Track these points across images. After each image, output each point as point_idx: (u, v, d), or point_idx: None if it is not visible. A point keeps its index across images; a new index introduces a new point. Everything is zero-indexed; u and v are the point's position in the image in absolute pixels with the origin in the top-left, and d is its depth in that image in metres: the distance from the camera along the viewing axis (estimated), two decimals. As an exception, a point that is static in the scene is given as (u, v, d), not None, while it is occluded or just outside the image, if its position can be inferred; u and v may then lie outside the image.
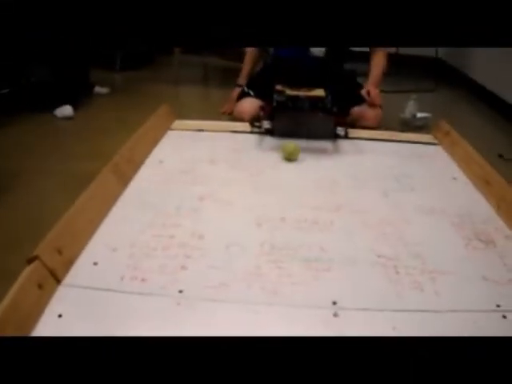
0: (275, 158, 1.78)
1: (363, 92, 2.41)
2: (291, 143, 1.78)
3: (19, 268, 1.03)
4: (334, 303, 1.08)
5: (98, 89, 3.24)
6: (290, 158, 1.76)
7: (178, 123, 2.05)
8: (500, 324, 1.06)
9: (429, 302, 1.11)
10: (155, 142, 1.85)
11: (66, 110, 2.76)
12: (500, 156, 2.36)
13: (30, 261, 1.05)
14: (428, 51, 4.02)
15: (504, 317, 1.08)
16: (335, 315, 1.05)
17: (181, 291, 1.09)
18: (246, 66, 2.76)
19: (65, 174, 2.00)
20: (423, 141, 2.04)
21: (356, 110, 2.36)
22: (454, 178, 1.72)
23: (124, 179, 1.53)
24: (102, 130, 2.54)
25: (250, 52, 2.73)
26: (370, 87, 2.42)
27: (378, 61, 2.47)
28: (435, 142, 2.03)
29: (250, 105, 2.31)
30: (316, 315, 1.05)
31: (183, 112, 2.21)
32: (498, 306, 1.11)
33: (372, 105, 2.36)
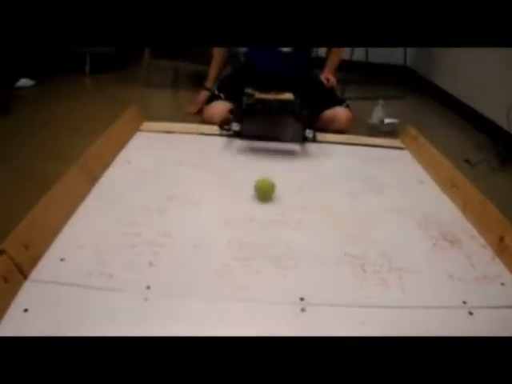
0: (243, 160, 1.78)
1: (322, 78, 2.66)
2: (265, 181, 1.51)
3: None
4: (302, 299, 1.08)
5: (23, 81, 3.22)
6: (264, 196, 1.50)
7: (146, 124, 2.04)
8: (466, 320, 1.08)
9: (395, 298, 1.12)
10: (124, 142, 1.83)
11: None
12: (466, 161, 2.39)
13: (-4, 255, 1.04)
14: (396, 59, 4.07)
15: (470, 313, 1.09)
16: (303, 310, 1.05)
17: (148, 287, 1.09)
18: (213, 70, 2.79)
19: (24, 174, 1.98)
20: (391, 145, 2.06)
21: (327, 112, 2.40)
22: (421, 182, 1.74)
23: (92, 177, 1.52)
24: (70, 131, 2.52)
25: (217, 55, 2.75)
26: (328, 74, 2.69)
27: (336, 50, 2.78)
28: (402, 146, 2.05)
29: (221, 107, 2.32)
30: (284, 310, 1.05)
31: (152, 114, 2.20)
32: (465, 302, 1.12)
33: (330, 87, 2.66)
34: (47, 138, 2.47)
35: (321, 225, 1.39)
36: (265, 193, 1.50)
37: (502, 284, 1.21)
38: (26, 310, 1.01)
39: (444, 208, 1.55)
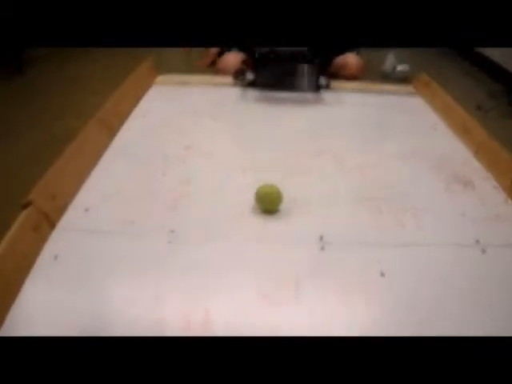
0: (258, 109, 1.80)
1: None
2: (270, 190, 1.22)
3: (7, 217, 1.06)
4: (321, 238, 1.12)
5: None
6: (271, 208, 1.22)
7: (161, 78, 2.05)
8: (479, 257, 1.11)
9: (411, 236, 1.16)
10: (139, 96, 1.85)
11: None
12: (478, 108, 2.41)
13: (24, 206, 1.08)
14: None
15: (483, 251, 1.13)
16: (322, 249, 1.09)
17: (172, 231, 1.13)
18: None
19: (41, 131, 2.02)
20: (404, 92, 2.06)
21: (339, 59, 2.43)
22: (434, 127, 1.75)
23: (110, 131, 1.55)
24: (83, 88, 2.55)
25: None
26: None
27: None
28: (415, 92, 2.06)
29: (234, 58, 2.34)
30: (304, 249, 1.10)
31: (165, 69, 2.21)
32: (477, 241, 1.16)
33: None
34: (60, 95, 2.51)
35: (335, 169, 1.42)
36: (271, 205, 1.22)
37: (515, 224, 1.24)
38: (55, 257, 1.05)
39: (456, 152, 1.57)
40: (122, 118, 1.67)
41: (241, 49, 2.41)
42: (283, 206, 1.22)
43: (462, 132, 1.66)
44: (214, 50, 2.74)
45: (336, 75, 2.32)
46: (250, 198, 1.24)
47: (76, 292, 0.97)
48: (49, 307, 0.94)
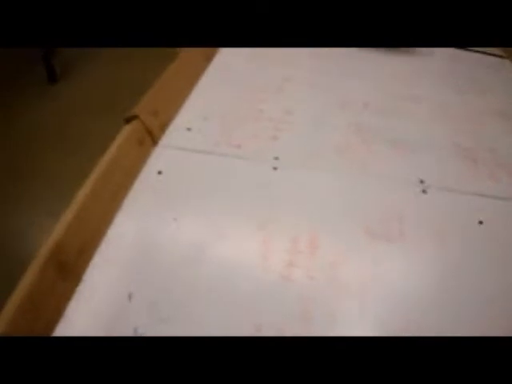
0: (349, 53, 1.80)
1: None
2: None
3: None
4: (422, 181, 1.15)
5: None
6: None
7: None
8: None
9: (506, 191, 1.18)
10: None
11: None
12: None
13: (128, 120, 1.12)
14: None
15: None
16: (424, 192, 1.13)
17: (276, 158, 1.17)
18: None
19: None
20: (493, 52, 2.04)
21: None
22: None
23: (207, 57, 1.57)
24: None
25: None
26: None
27: None
28: (504, 55, 2.04)
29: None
30: (406, 189, 1.13)
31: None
32: None
33: None
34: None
35: (431, 116, 1.43)
36: None
37: None
38: (159, 173, 1.09)
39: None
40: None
41: None
42: (383, 146, 1.25)
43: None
44: None
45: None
46: (349, 134, 1.28)
47: (178, 208, 1.02)
48: (151, 218, 1.00)
